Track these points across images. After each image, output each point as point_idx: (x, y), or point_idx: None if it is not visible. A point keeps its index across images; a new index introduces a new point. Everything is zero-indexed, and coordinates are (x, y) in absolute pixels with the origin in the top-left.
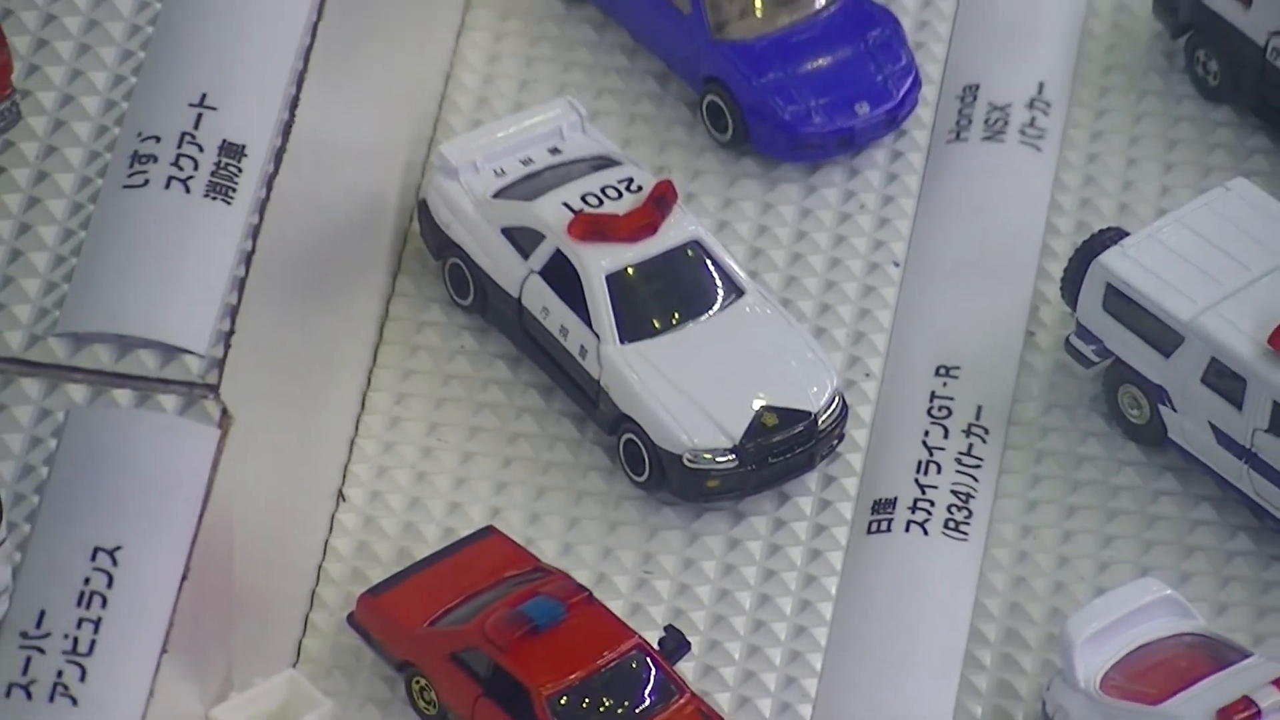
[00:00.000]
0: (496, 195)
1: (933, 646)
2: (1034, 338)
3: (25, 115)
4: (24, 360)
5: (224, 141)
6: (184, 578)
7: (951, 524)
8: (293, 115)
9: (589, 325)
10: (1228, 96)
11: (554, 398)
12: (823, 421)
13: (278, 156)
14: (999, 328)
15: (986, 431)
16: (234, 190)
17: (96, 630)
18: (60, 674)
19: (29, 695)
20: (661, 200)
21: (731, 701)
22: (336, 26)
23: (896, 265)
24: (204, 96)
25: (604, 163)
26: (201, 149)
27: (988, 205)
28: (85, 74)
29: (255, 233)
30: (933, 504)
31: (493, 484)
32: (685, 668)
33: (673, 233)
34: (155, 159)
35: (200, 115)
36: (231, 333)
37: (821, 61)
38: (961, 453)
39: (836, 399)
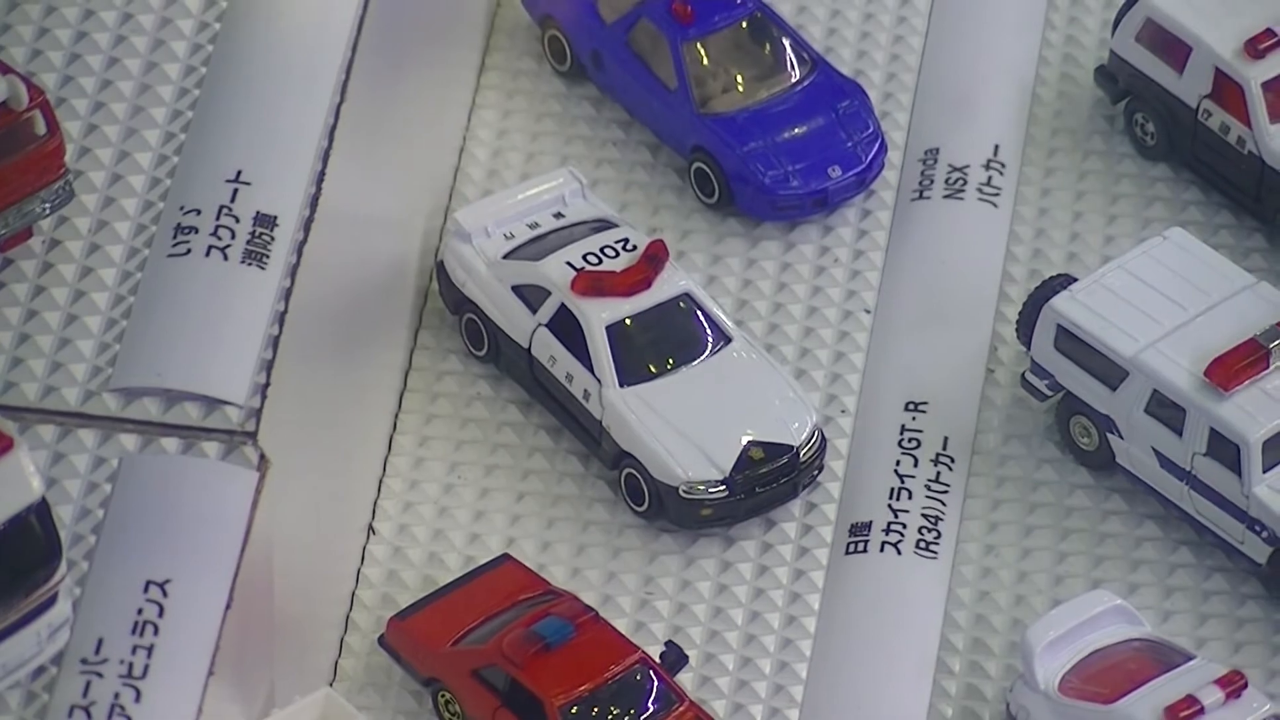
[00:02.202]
0: (506, 256)
1: (907, 655)
2: (993, 375)
3: (78, 193)
4: (80, 413)
5: (258, 213)
6: (228, 607)
7: (922, 544)
8: (320, 188)
9: (592, 371)
10: (1164, 155)
11: (562, 438)
12: (804, 454)
13: (307, 226)
14: (962, 366)
15: (952, 460)
16: (268, 257)
17: (149, 656)
18: (117, 696)
19: (89, 716)
20: (655, 258)
21: (727, 708)
22: (359, 108)
23: (868, 312)
24: (239, 173)
25: (603, 225)
26: (238, 220)
27: (949, 256)
28: (132, 155)
29: (288, 295)
30: (905, 526)
31: (508, 516)
32: (684, 678)
33: (665, 287)
34: (196, 230)
35: (236, 190)
36: (268, 385)
37: (797, 131)
38: (930, 480)
39: (816, 433)
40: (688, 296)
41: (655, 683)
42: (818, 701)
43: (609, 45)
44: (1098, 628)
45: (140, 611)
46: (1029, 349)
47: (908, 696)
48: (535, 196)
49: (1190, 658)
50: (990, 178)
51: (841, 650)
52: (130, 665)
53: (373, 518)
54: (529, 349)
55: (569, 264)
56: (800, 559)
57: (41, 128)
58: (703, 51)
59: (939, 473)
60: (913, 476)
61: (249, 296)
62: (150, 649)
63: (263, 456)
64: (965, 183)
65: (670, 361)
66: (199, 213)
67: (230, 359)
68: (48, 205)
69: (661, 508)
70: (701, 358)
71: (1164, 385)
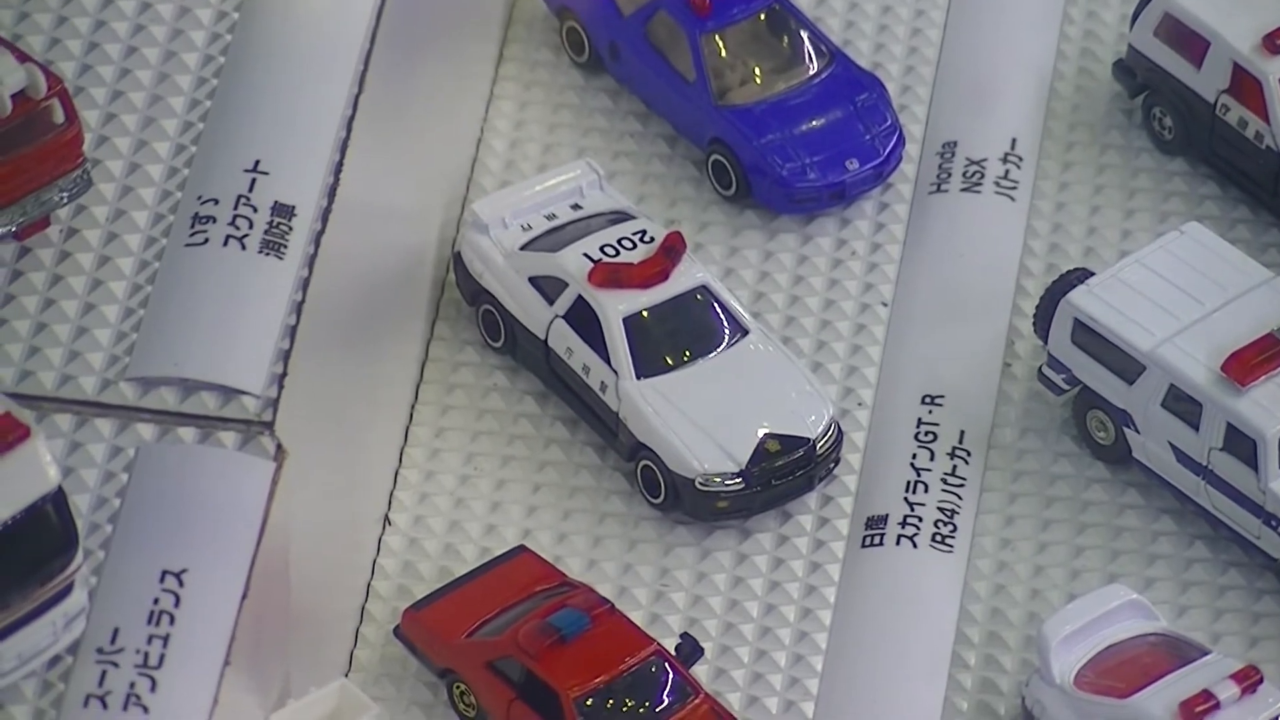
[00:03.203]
0: (524, 248)
1: (923, 649)
2: (1010, 369)
3: (96, 182)
4: (98, 402)
5: (276, 203)
6: (244, 597)
7: (938, 538)
8: (338, 178)
9: (608, 363)
10: (1181, 149)
11: (578, 429)
12: (820, 447)
13: (325, 216)
14: (978, 360)
15: (969, 454)
16: (285, 247)
17: (165, 645)
18: (133, 685)
19: (105, 705)
20: (672, 250)
21: (742, 700)
22: (377, 98)
23: (885, 305)
24: (257, 162)
25: (620, 217)
26: (255, 210)
27: (967, 250)
28: (150, 144)
29: (305, 285)
30: (921, 520)
31: (524, 508)
32: (699, 671)
33: (683, 279)
34: (214, 219)
35: (254, 179)
36: (284, 375)
37: (815, 123)
38: (946, 473)
39: (832, 426)
40: (705, 289)
41: (670, 675)
42: (833, 695)
43: (627, 37)
44: (1113, 622)
45: (156, 601)
46: (1046, 343)
47: (923, 690)
48: (552, 188)
49: (1206, 653)
50: (1008, 171)
51: (857, 644)
52: (146, 655)
53: (388, 509)
54: (546, 340)
55: (586, 255)
56: (816, 552)
57: (59, 116)
58: (721, 43)
59: (955, 466)
60: (929, 470)
61: (266, 286)
62: (166, 639)
63: (279, 447)
64: (983, 176)
65: (687, 354)
66: (217, 202)
67: (247, 349)
68: (65, 194)
69: (678, 500)
70: (718, 350)
71: (1181, 380)
